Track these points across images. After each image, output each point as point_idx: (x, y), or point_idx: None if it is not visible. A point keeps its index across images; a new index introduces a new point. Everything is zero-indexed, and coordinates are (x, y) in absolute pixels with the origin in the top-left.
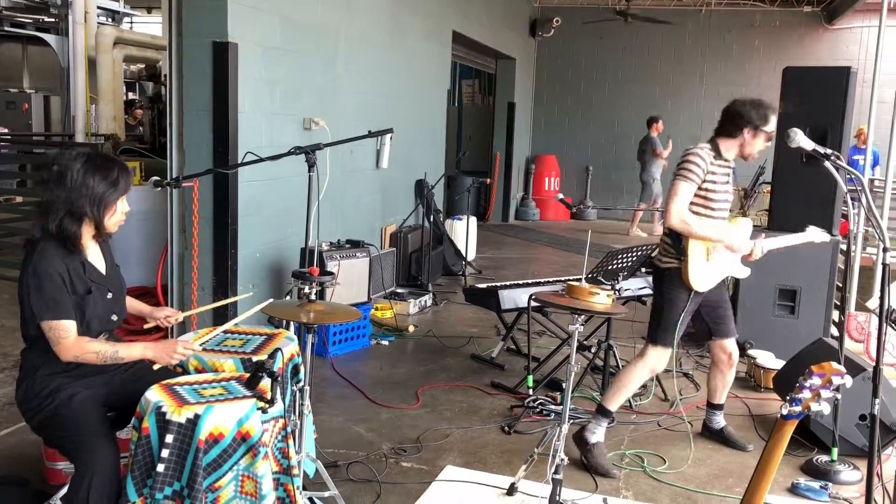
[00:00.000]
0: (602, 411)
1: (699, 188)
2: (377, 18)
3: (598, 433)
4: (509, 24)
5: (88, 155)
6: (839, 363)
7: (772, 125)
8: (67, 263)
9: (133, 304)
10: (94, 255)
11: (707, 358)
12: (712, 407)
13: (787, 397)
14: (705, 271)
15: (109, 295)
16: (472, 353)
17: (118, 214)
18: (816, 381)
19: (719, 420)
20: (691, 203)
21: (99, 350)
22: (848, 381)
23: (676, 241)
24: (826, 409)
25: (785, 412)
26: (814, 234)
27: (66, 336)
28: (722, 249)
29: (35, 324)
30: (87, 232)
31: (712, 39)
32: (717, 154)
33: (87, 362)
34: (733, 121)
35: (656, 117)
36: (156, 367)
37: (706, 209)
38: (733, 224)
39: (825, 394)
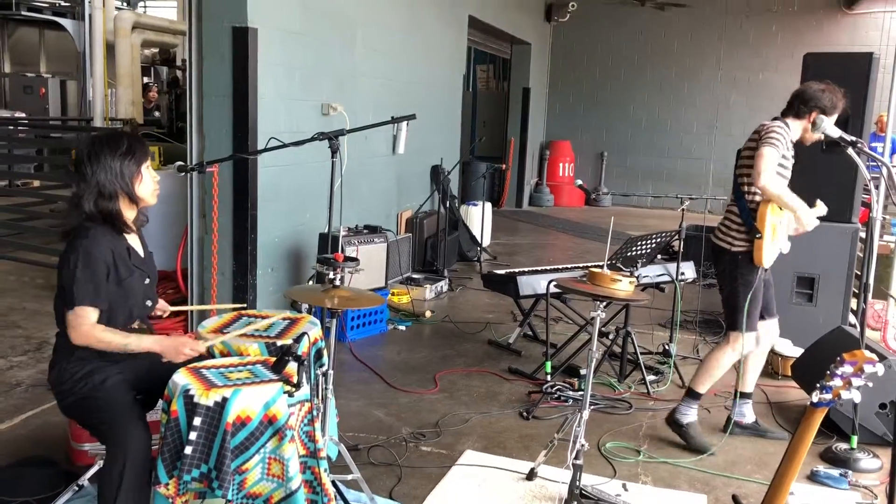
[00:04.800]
0: (692, 394)
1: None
2: (394, 3)
3: (690, 414)
4: (525, 9)
5: (93, 138)
6: None
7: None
8: (114, 247)
9: None
10: (133, 240)
11: None
12: (744, 396)
13: (818, 385)
14: (773, 248)
15: (147, 280)
16: (488, 338)
17: (148, 183)
18: (848, 368)
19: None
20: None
21: (111, 340)
22: (880, 368)
23: (748, 220)
24: (857, 396)
25: (815, 400)
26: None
27: (84, 322)
28: (785, 225)
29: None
30: (127, 209)
31: (729, 24)
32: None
33: (96, 349)
34: (806, 103)
35: None
36: (164, 360)
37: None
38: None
39: (856, 382)
